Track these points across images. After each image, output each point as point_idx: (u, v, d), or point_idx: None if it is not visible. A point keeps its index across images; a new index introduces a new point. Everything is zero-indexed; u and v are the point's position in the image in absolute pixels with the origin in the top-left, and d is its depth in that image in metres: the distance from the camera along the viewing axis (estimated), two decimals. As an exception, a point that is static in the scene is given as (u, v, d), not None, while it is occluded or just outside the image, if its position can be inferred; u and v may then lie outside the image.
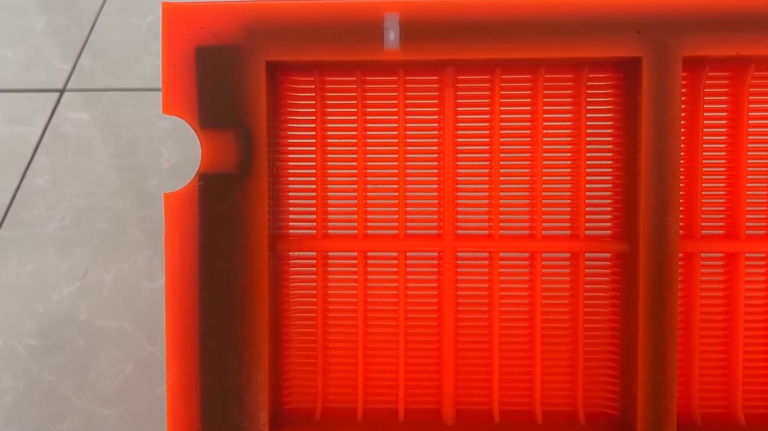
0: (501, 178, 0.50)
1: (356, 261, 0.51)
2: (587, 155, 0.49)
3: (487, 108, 0.50)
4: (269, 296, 0.48)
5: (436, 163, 0.50)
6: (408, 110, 0.50)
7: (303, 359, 0.52)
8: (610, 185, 0.50)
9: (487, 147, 0.50)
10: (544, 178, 0.50)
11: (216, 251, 0.47)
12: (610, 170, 0.49)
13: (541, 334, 0.50)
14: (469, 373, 0.51)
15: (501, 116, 0.49)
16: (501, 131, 0.49)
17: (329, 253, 0.51)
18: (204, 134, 0.47)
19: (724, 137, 0.49)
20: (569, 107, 0.50)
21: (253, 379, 0.47)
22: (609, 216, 0.50)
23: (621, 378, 0.49)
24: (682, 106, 0.46)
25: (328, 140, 0.51)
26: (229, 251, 0.47)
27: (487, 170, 0.50)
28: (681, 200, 0.48)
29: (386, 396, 0.52)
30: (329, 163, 0.51)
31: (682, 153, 0.47)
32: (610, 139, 0.49)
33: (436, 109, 0.50)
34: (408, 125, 0.50)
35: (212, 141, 0.47)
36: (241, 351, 0.47)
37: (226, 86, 0.46)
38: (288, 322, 0.51)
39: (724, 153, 0.49)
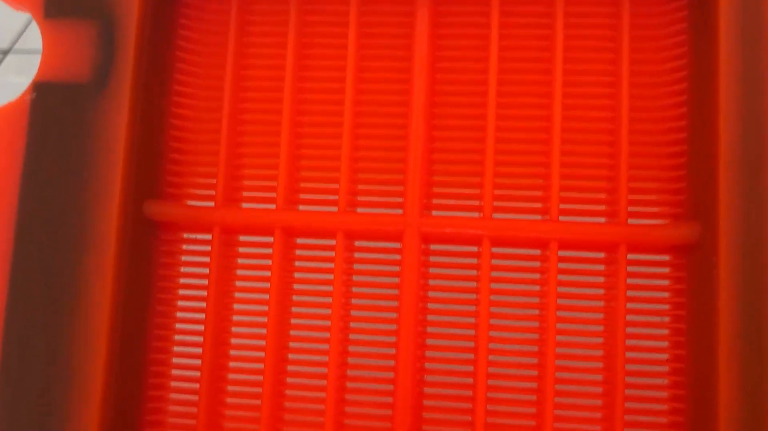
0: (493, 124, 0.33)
1: (272, 250, 0.33)
2: (632, 91, 0.33)
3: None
4: (117, 291, 0.30)
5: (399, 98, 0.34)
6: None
7: (178, 403, 0.33)
8: (668, 142, 0.32)
9: (478, 75, 0.34)
10: (563, 131, 0.33)
11: (43, 204, 0.30)
12: (671, 116, 0.32)
13: (554, 379, 0.31)
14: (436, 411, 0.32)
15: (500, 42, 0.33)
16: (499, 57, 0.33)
17: (237, 236, 0.34)
18: (47, 25, 0.31)
19: None
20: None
21: (76, 416, 0.29)
22: (664, 189, 0.32)
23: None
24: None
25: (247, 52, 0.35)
26: (65, 209, 0.30)
27: (475, 112, 0.33)
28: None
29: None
30: (245, 93, 0.35)
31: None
32: (673, 63, 0.33)
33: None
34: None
35: (58, 35, 0.31)
36: (63, 371, 0.29)
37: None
38: (158, 340, 0.34)
39: None
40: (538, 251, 0.33)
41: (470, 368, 0.32)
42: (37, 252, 0.30)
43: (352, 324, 0.33)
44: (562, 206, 0.32)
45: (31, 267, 0.30)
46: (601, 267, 0.33)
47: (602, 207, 0.33)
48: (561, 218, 0.32)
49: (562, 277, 0.32)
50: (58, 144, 0.30)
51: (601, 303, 0.32)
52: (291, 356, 0.33)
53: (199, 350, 0.33)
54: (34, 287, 0.30)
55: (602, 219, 0.33)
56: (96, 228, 0.30)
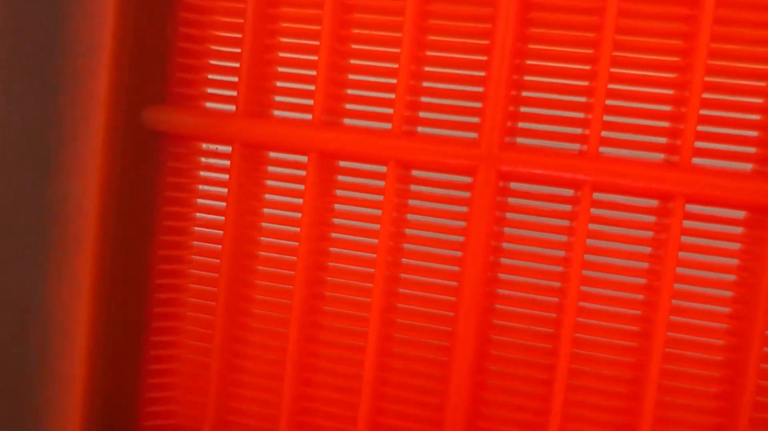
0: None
1: (305, 172, 0.26)
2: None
3: None
4: (106, 218, 0.24)
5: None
6: None
7: (190, 344, 0.28)
8: None
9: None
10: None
11: (13, 107, 0.23)
12: None
13: (658, 372, 0.24)
14: (497, 405, 0.26)
15: None
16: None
17: (264, 152, 0.27)
18: None
19: None
20: None
21: (57, 367, 0.24)
22: None
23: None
24: None
25: None
26: (39, 116, 0.23)
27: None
28: None
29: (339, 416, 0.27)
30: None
31: None
32: None
33: None
34: None
35: None
36: (41, 312, 0.24)
37: None
38: (165, 277, 0.28)
39: None
40: (654, 202, 0.25)
41: (548, 346, 0.25)
42: (7, 173, 0.24)
43: (401, 275, 0.26)
44: (698, 143, 0.23)
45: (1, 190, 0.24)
46: (738, 230, 0.24)
47: (752, 149, 0.24)
48: (694, 160, 0.23)
49: (685, 239, 0.24)
50: (30, 29, 0.23)
51: (733, 278, 0.24)
52: (325, 308, 0.27)
53: (215, 289, 0.27)
54: (4, 216, 0.24)
55: (748, 166, 0.24)
56: (79, 140, 0.23)
